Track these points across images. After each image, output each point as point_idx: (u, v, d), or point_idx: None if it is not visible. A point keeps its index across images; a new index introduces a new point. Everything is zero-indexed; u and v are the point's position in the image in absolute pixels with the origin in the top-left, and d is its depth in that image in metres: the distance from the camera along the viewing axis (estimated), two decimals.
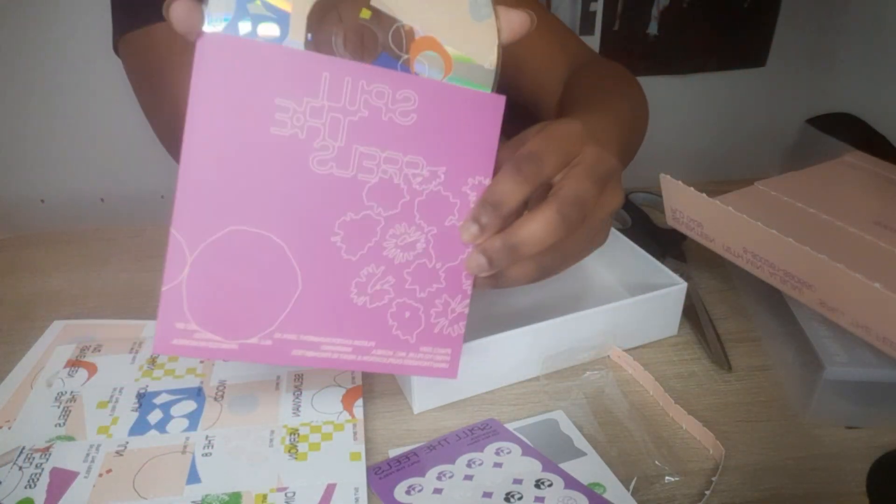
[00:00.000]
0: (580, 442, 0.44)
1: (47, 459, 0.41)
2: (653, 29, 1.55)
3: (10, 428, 0.44)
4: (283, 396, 0.46)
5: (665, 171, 0.54)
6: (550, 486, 0.39)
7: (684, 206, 0.53)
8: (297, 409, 0.45)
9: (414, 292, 0.38)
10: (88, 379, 0.48)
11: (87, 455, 0.41)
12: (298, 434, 0.43)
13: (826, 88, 1.62)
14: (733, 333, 0.54)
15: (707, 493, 0.40)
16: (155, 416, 0.44)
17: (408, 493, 0.40)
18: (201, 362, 0.49)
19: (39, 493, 0.39)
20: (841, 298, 0.44)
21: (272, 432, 0.43)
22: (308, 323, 0.36)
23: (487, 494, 0.39)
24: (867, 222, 0.53)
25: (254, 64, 0.32)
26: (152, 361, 0.50)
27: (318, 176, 0.34)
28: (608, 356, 0.52)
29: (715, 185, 0.57)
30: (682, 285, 0.52)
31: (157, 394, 0.46)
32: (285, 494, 0.39)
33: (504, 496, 0.39)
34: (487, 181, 0.37)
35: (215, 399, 0.46)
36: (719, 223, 0.51)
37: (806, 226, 0.53)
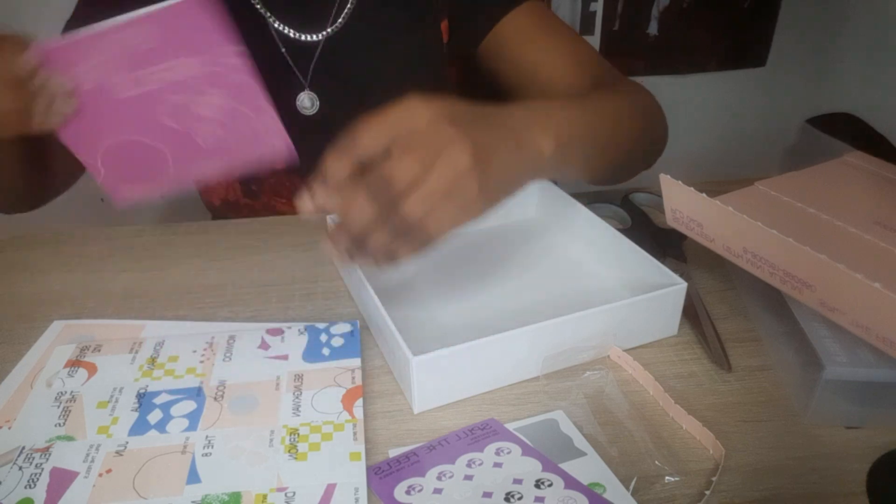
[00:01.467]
0: (580, 442, 0.44)
1: (47, 459, 0.41)
2: (653, 29, 1.55)
3: (10, 428, 0.44)
4: (284, 397, 0.46)
5: (665, 171, 0.54)
6: (550, 486, 0.39)
7: (684, 206, 0.53)
8: (297, 409, 0.45)
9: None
10: (88, 379, 0.48)
11: (87, 455, 0.41)
12: (298, 434, 0.43)
13: (826, 88, 1.62)
14: (733, 333, 0.54)
15: (707, 493, 0.40)
16: (155, 416, 0.44)
17: (408, 493, 0.40)
18: (201, 362, 0.49)
19: (39, 493, 0.39)
20: (841, 298, 0.44)
21: (272, 432, 0.43)
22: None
23: (487, 494, 0.39)
24: (867, 222, 0.53)
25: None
26: (152, 361, 0.49)
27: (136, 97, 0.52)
28: (608, 356, 0.52)
29: (715, 185, 0.57)
30: (682, 285, 0.52)
31: (157, 394, 0.46)
32: (285, 494, 0.39)
33: (504, 496, 0.39)
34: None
35: (215, 399, 0.46)
36: (719, 223, 0.51)
37: (806, 226, 0.53)
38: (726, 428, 0.45)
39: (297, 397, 0.46)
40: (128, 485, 0.40)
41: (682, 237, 0.57)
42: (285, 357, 0.50)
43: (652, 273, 0.54)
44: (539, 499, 0.39)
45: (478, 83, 0.64)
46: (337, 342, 0.52)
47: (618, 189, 0.73)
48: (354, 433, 0.44)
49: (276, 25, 0.71)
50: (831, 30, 1.56)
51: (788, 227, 0.47)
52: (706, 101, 1.63)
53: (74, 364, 0.49)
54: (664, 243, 0.63)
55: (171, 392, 0.47)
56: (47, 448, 0.42)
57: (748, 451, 0.43)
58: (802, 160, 0.65)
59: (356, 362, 0.50)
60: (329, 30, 0.71)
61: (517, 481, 0.40)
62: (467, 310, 0.56)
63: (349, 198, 0.43)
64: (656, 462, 0.42)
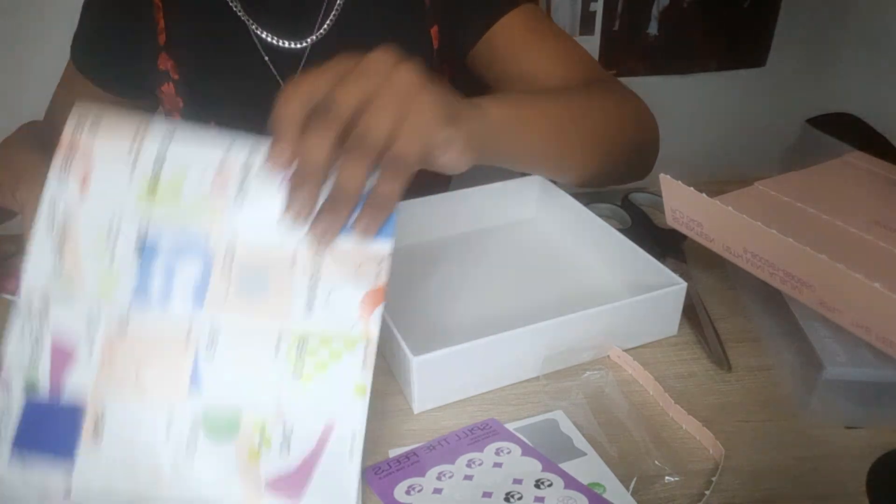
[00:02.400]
0: (580, 442, 0.44)
1: (45, 320, 0.40)
2: (653, 29, 1.55)
3: None
4: (298, 281, 0.41)
5: (665, 171, 0.54)
6: (550, 486, 0.39)
7: (684, 206, 0.53)
8: (311, 306, 0.41)
9: None
10: (80, 193, 0.42)
11: (87, 324, 0.39)
12: (307, 346, 0.40)
13: (826, 88, 1.62)
14: (733, 333, 0.54)
15: (707, 493, 0.40)
16: (157, 283, 0.40)
17: (408, 493, 0.40)
18: (211, 198, 0.42)
19: (44, 373, 0.39)
20: (841, 298, 0.44)
21: (279, 337, 0.40)
22: None
23: (487, 494, 0.39)
24: (867, 222, 0.53)
25: None
26: (154, 183, 0.42)
27: None
28: (608, 356, 0.52)
29: (715, 185, 0.57)
30: (682, 285, 0.52)
31: (158, 237, 0.41)
32: (283, 429, 0.38)
33: (504, 496, 0.39)
34: None
35: (223, 268, 0.41)
36: (719, 223, 0.51)
37: (806, 226, 0.53)
38: (726, 428, 0.45)
39: (312, 288, 0.41)
40: (131, 378, 0.38)
41: (682, 237, 0.57)
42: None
43: (652, 273, 0.54)
44: (539, 499, 0.39)
45: (468, 90, 0.63)
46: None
47: (618, 189, 0.73)
48: (364, 358, 0.40)
49: (258, 33, 0.69)
50: (831, 30, 1.56)
51: (788, 227, 0.47)
52: (706, 101, 1.63)
53: (68, 152, 0.42)
54: (664, 243, 0.63)
55: (174, 238, 0.41)
56: (45, 303, 0.40)
57: (748, 451, 0.43)
58: (802, 160, 0.65)
59: (386, 248, 0.42)
60: (314, 37, 0.70)
61: (517, 481, 0.40)
62: (467, 310, 0.56)
63: (305, 136, 0.39)
64: (656, 462, 0.42)
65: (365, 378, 0.40)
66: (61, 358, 0.39)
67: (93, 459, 0.38)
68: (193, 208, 0.41)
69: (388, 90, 0.40)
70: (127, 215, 0.41)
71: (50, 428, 0.38)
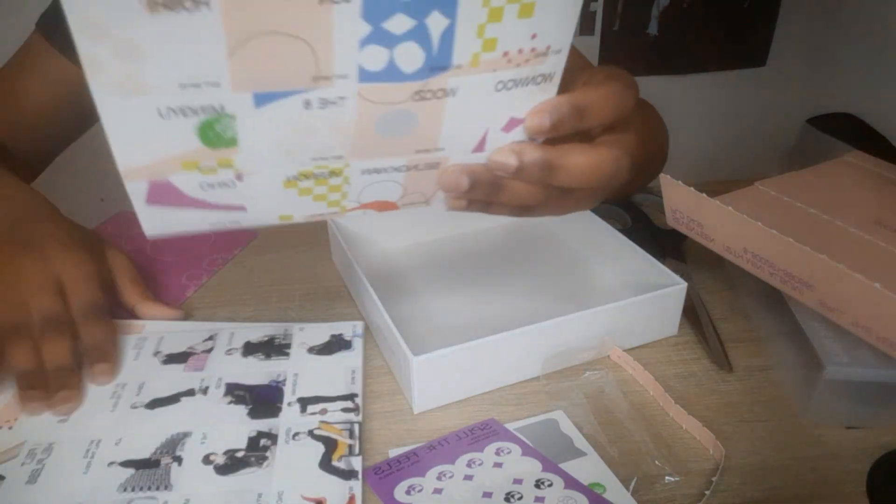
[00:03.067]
0: (580, 442, 0.44)
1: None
2: (653, 29, 1.55)
3: (10, 428, 0.44)
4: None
5: (665, 171, 0.54)
6: (550, 486, 0.39)
7: (684, 206, 0.53)
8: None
9: None
10: None
11: None
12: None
13: (826, 88, 1.62)
14: (733, 333, 0.54)
15: (707, 493, 0.40)
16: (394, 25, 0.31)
17: (408, 493, 0.40)
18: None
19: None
20: (841, 298, 0.44)
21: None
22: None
23: (487, 494, 0.39)
24: (867, 222, 0.53)
25: None
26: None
27: None
28: (608, 356, 0.52)
29: (715, 185, 0.57)
30: (682, 285, 0.52)
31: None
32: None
33: (504, 496, 0.39)
34: None
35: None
36: (719, 223, 0.51)
37: (806, 226, 0.53)
38: (726, 428, 0.45)
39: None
40: (245, 32, 0.29)
41: (682, 237, 0.57)
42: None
43: (652, 273, 0.54)
44: (539, 499, 0.39)
45: None
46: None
47: None
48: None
49: None
50: (831, 30, 1.56)
51: (788, 227, 0.47)
52: (706, 101, 1.63)
53: None
54: (664, 243, 0.63)
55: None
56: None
57: (748, 451, 0.43)
58: (802, 160, 0.65)
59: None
60: None
61: (517, 481, 0.40)
62: (467, 310, 0.56)
63: (592, 152, 0.37)
64: (656, 462, 0.42)
65: (297, 219, 0.39)
66: None
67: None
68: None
69: (615, 159, 0.38)
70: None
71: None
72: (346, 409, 0.45)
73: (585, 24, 1.51)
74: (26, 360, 0.45)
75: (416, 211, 0.41)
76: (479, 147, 0.36)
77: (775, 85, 1.61)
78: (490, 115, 0.35)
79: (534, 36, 0.32)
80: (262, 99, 0.31)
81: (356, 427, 0.44)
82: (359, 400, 0.46)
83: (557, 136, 0.36)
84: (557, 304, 0.55)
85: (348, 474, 0.40)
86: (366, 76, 0.31)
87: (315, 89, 0.31)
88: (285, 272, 0.63)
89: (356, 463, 0.41)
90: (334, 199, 0.38)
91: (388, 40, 0.30)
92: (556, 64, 0.34)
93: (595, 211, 0.62)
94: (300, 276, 0.63)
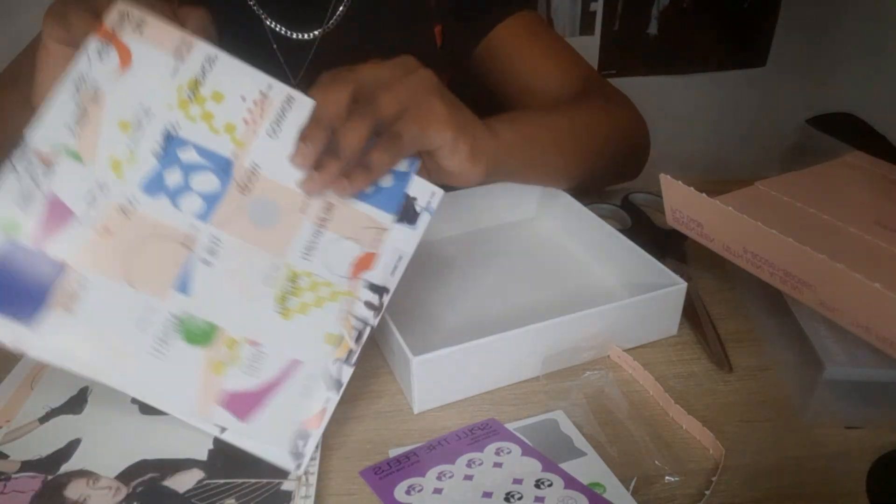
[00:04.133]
0: (580, 442, 0.44)
1: (48, 177, 0.39)
2: (653, 29, 1.55)
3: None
4: (304, 225, 0.43)
5: (665, 171, 0.54)
6: (550, 486, 0.39)
7: (684, 206, 0.53)
8: (311, 249, 0.43)
9: None
10: (119, 73, 0.41)
11: (90, 193, 0.38)
12: (296, 285, 0.42)
13: (826, 88, 1.62)
14: (733, 333, 0.54)
15: (707, 493, 0.40)
16: (173, 178, 0.40)
17: (408, 493, 0.40)
18: (245, 122, 0.43)
19: (29, 220, 0.38)
20: (841, 298, 0.44)
21: (274, 268, 0.42)
22: None
23: (487, 494, 0.39)
24: (867, 222, 0.53)
25: None
26: (194, 86, 0.41)
27: None
28: (608, 356, 0.52)
29: (715, 185, 0.57)
30: (681, 285, 0.52)
31: (185, 144, 0.41)
32: (254, 352, 0.40)
33: (504, 496, 0.39)
34: None
35: (240, 190, 0.41)
36: (719, 223, 0.51)
37: (806, 226, 0.53)
38: (726, 428, 0.45)
39: (315, 235, 0.43)
40: (119, 261, 0.38)
41: (682, 237, 0.57)
42: None
43: (652, 273, 0.54)
44: (539, 499, 0.39)
45: (468, 91, 0.64)
46: (386, 181, 0.45)
47: (618, 189, 0.73)
48: (347, 312, 0.43)
49: (269, 24, 0.71)
50: (831, 30, 1.56)
51: (788, 227, 0.47)
52: (706, 101, 1.63)
53: (107, 37, 0.41)
54: (664, 243, 0.63)
55: (199, 150, 0.41)
56: (51, 160, 0.39)
57: (748, 451, 0.43)
58: (802, 160, 0.65)
59: (388, 220, 0.45)
60: (323, 28, 0.71)
61: (517, 481, 0.40)
62: (467, 310, 0.56)
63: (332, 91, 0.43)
64: (656, 462, 0.42)
65: (339, 329, 0.43)
66: (56, 216, 0.38)
67: (61, 323, 0.38)
68: (225, 128, 0.42)
69: (407, 82, 0.45)
70: (158, 112, 0.41)
71: (24, 273, 0.38)
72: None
73: (585, 24, 1.51)
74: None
75: None
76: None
77: (775, 85, 1.61)
78: (292, 148, 0.43)
79: (243, 98, 0.42)
80: (182, 287, 0.40)
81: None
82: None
83: (325, 144, 0.43)
84: (557, 304, 0.55)
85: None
86: (203, 216, 0.41)
87: (195, 251, 0.41)
88: None
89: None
90: (327, 293, 0.44)
91: (182, 189, 0.41)
92: (281, 91, 0.43)
93: (595, 211, 0.62)
94: None
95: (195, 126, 0.41)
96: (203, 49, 0.42)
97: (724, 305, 0.57)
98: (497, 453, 0.42)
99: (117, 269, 0.38)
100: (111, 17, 0.41)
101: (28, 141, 0.39)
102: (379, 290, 0.45)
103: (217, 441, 0.43)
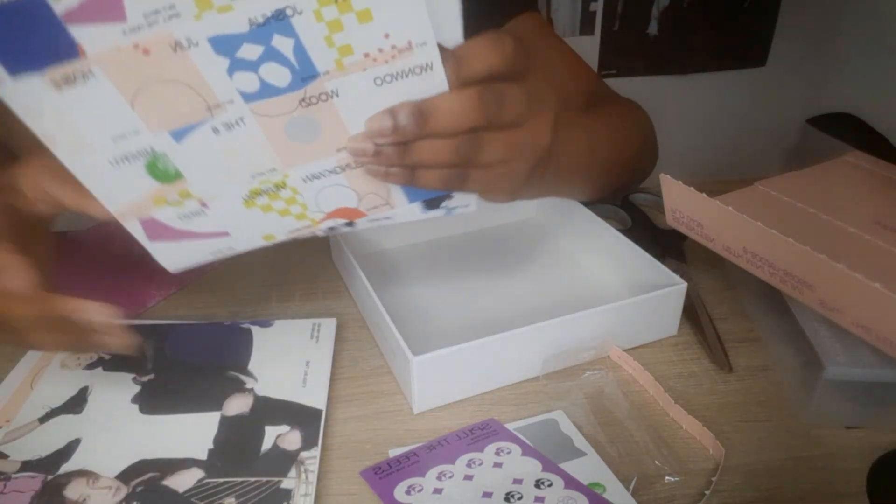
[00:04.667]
0: (580, 442, 0.44)
1: None
2: (653, 29, 1.55)
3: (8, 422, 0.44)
4: (329, 160, 0.40)
5: (665, 171, 0.54)
6: (550, 486, 0.39)
7: (684, 206, 0.53)
8: (314, 179, 0.41)
9: None
10: None
11: (156, 9, 0.33)
12: (278, 192, 0.41)
13: (826, 88, 1.62)
14: (733, 333, 0.54)
15: (707, 493, 0.40)
16: (248, 52, 0.35)
17: (408, 493, 0.40)
18: (365, 57, 0.36)
19: None
20: (841, 298, 0.44)
21: (270, 170, 0.39)
22: None
23: (487, 494, 0.39)
24: (867, 222, 0.53)
25: None
26: None
27: None
28: (608, 356, 0.52)
29: (715, 185, 0.57)
30: (681, 285, 0.52)
31: (289, 33, 0.34)
32: (198, 208, 0.41)
33: (504, 496, 0.39)
34: None
35: (302, 101, 0.37)
36: (719, 223, 0.51)
37: (806, 226, 0.53)
38: (726, 428, 0.45)
39: (330, 172, 0.40)
40: (135, 82, 0.35)
41: (682, 237, 0.57)
42: None
43: (652, 273, 0.54)
44: (539, 499, 0.39)
45: None
46: None
47: None
48: (297, 230, 0.43)
49: None
50: (831, 30, 1.56)
51: (788, 227, 0.47)
52: (706, 101, 1.63)
53: None
54: (664, 243, 0.63)
55: (297, 49, 0.35)
56: None
57: (748, 451, 0.43)
58: (802, 160, 0.65)
59: (401, 202, 0.43)
60: None
61: (517, 481, 0.40)
62: (467, 310, 0.56)
63: (454, 92, 0.37)
64: (656, 462, 0.42)
65: (281, 237, 0.43)
66: (104, 6, 0.33)
67: (42, 92, 0.35)
68: (341, 48, 0.36)
69: (521, 139, 0.40)
70: None
71: (34, 31, 0.34)
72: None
73: (585, 24, 1.50)
74: None
75: None
76: None
77: (775, 85, 1.61)
78: (385, 105, 0.38)
79: (387, 35, 0.35)
80: (178, 135, 0.37)
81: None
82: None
83: (406, 139, 0.38)
84: (557, 304, 0.55)
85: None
86: (248, 97, 0.36)
87: (214, 117, 0.37)
88: (285, 272, 0.63)
89: None
90: (297, 211, 0.42)
91: (249, 66, 0.35)
92: (428, 55, 0.36)
93: (595, 211, 0.62)
94: (300, 276, 0.63)
95: (315, 26, 0.34)
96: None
97: (724, 305, 0.57)
98: (497, 453, 0.42)
99: (129, 86, 0.35)
100: None
101: None
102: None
103: (217, 440, 0.43)
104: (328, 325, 0.54)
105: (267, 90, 0.36)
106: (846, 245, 0.50)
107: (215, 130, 0.37)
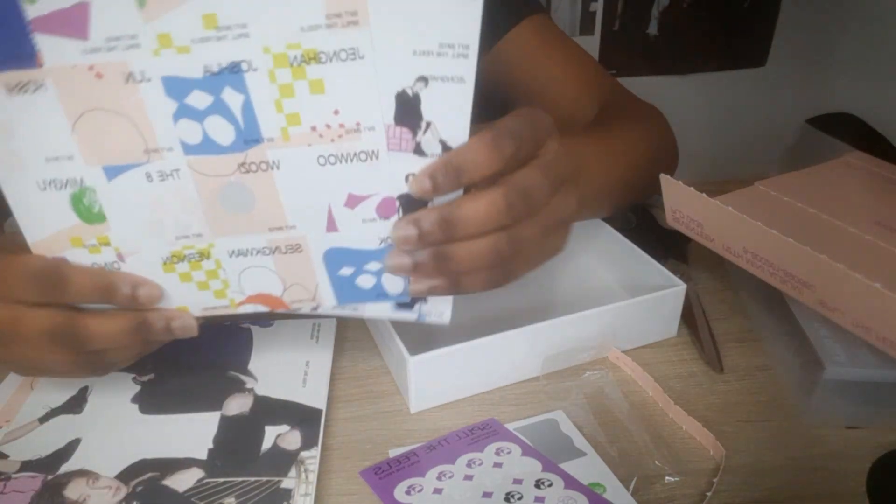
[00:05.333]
0: (580, 442, 0.44)
1: None
2: (653, 29, 1.55)
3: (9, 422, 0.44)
4: (257, 237, 0.38)
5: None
6: (550, 486, 0.39)
7: (684, 206, 0.53)
8: (240, 255, 0.39)
9: None
10: None
11: (118, 36, 0.33)
12: (196, 260, 0.39)
13: (826, 88, 1.62)
14: (733, 333, 0.54)
15: (709, 494, 0.40)
16: (196, 99, 0.34)
17: (408, 493, 0.40)
18: (312, 131, 0.36)
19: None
20: (841, 298, 0.44)
21: (197, 236, 0.38)
22: None
23: (487, 494, 0.39)
24: (867, 222, 0.53)
25: None
26: (310, 56, 0.34)
27: None
28: (607, 357, 0.52)
29: (715, 185, 0.57)
30: (681, 287, 0.52)
31: (240, 89, 0.34)
32: (114, 258, 0.38)
33: (504, 496, 0.39)
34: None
35: (240, 165, 0.36)
36: (719, 223, 0.51)
37: (806, 226, 0.53)
38: (726, 428, 0.45)
39: (251, 245, 0.39)
40: (81, 105, 0.35)
41: (686, 238, 0.57)
42: None
43: (652, 274, 0.54)
44: (539, 499, 0.39)
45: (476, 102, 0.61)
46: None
47: None
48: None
49: None
50: (831, 30, 1.56)
51: (788, 227, 0.47)
52: (706, 101, 1.63)
53: None
54: (669, 244, 0.63)
55: (246, 108, 0.35)
56: None
57: (748, 451, 0.43)
58: (802, 160, 0.65)
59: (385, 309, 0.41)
60: None
61: (517, 481, 0.40)
62: (467, 310, 0.56)
63: (479, 196, 0.35)
64: (656, 462, 0.42)
65: (192, 313, 0.41)
66: (68, 21, 0.33)
67: None
68: (290, 117, 0.35)
69: (552, 215, 0.39)
70: (252, 40, 0.34)
71: None
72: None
73: (585, 24, 1.50)
74: None
75: None
76: (331, 226, 0.37)
77: (775, 85, 1.61)
78: (325, 190, 0.37)
79: (336, 112, 0.34)
80: (111, 172, 0.36)
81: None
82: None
83: (434, 244, 0.36)
84: (557, 304, 0.55)
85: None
86: (189, 149, 0.35)
87: (150, 162, 0.36)
88: None
89: None
90: (217, 287, 0.40)
91: (196, 114, 0.35)
92: (376, 142, 0.36)
93: None
94: None
95: (268, 86, 0.34)
96: (355, 36, 0.33)
97: (724, 305, 0.57)
98: (497, 453, 0.42)
99: (75, 107, 0.35)
100: None
101: None
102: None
103: (217, 440, 0.43)
104: (328, 325, 0.54)
105: (208, 145, 0.36)
106: (846, 245, 0.50)
107: (148, 177, 0.36)
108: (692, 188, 0.51)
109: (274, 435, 0.44)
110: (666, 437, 0.45)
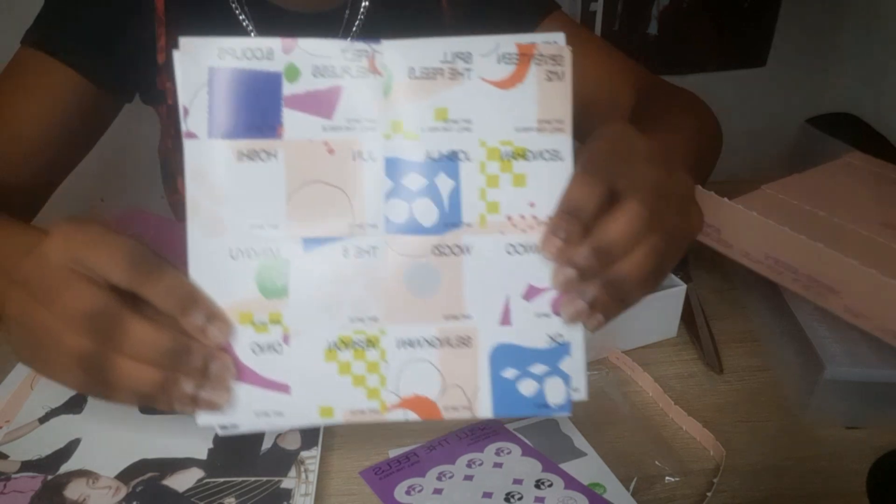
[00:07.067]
0: (580, 442, 0.44)
1: (355, 75, 0.37)
2: (653, 29, 1.55)
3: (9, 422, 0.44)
4: (438, 322, 0.37)
5: None
6: (550, 486, 0.39)
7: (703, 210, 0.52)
8: (411, 344, 0.38)
9: None
10: (502, 85, 0.38)
11: (358, 118, 0.36)
12: (359, 347, 0.37)
13: (826, 88, 1.62)
14: (733, 333, 0.54)
15: (709, 494, 0.40)
16: (412, 181, 0.37)
17: (408, 493, 0.40)
18: (507, 220, 0.38)
19: (306, 82, 0.36)
20: (867, 303, 0.44)
21: (372, 320, 0.37)
22: None
23: (487, 494, 0.39)
24: (873, 224, 0.53)
25: None
26: (519, 153, 0.37)
27: None
28: (607, 357, 0.52)
29: (715, 186, 0.57)
30: (681, 287, 0.52)
31: (454, 173, 0.37)
32: (280, 338, 0.37)
33: (504, 496, 0.39)
34: None
35: (435, 248, 0.37)
36: (740, 228, 0.50)
37: (818, 229, 0.52)
38: (726, 428, 0.45)
39: (422, 334, 0.38)
40: (306, 174, 0.36)
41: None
42: None
43: None
44: (539, 499, 0.39)
45: None
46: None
47: None
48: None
49: None
50: (831, 30, 1.56)
51: (802, 231, 0.46)
52: (706, 101, 1.63)
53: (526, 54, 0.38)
54: None
55: (453, 193, 0.37)
56: (377, 70, 0.36)
57: (748, 451, 0.43)
58: (803, 160, 0.65)
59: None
60: None
61: (517, 481, 0.40)
62: None
63: (618, 212, 0.35)
64: (656, 462, 0.42)
65: (336, 416, 0.38)
66: (318, 103, 0.36)
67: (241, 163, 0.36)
68: (490, 205, 0.37)
69: (652, 253, 0.37)
70: (475, 133, 0.37)
71: (253, 105, 0.36)
72: None
73: (585, 24, 1.50)
74: None
75: None
76: (505, 318, 0.37)
77: (775, 85, 1.61)
78: (507, 279, 0.37)
79: (532, 204, 0.37)
80: (310, 244, 0.36)
81: None
82: None
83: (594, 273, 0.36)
84: None
85: None
86: (391, 227, 0.37)
87: (352, 237, 0.37)
88: None
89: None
90: (373, 385, 0.37)
91: (407, 195, 0.37)
92: None
93: None
94: None
95: (477, 176, 0.37)
96: (559, 140, 0.37)
97: (724, 305, 0.57)
98: (497, 453, 0.42)
99: (298, 178, 0.36)
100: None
101: (375, 48, 0.37)
102: None
103: (217, 440, 0.43)
104: None
105: (411, 225, 0.37)
106: (859, 248, 0.50)
107: (345, 251, 0.37)
108: (713, 192, 0.50)
109: (274, 435, 0.44)
110: (666, 437, 0.45)
